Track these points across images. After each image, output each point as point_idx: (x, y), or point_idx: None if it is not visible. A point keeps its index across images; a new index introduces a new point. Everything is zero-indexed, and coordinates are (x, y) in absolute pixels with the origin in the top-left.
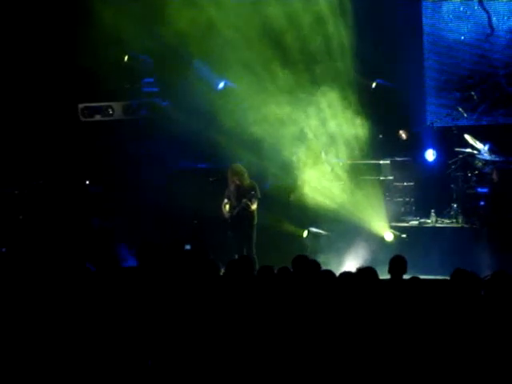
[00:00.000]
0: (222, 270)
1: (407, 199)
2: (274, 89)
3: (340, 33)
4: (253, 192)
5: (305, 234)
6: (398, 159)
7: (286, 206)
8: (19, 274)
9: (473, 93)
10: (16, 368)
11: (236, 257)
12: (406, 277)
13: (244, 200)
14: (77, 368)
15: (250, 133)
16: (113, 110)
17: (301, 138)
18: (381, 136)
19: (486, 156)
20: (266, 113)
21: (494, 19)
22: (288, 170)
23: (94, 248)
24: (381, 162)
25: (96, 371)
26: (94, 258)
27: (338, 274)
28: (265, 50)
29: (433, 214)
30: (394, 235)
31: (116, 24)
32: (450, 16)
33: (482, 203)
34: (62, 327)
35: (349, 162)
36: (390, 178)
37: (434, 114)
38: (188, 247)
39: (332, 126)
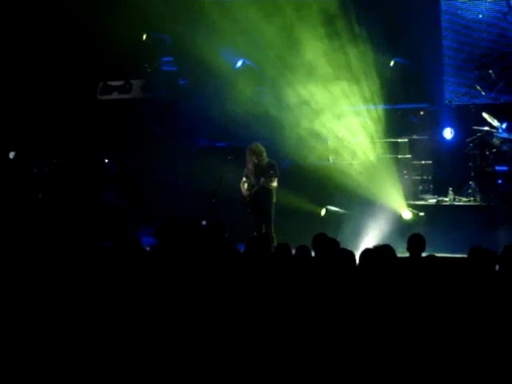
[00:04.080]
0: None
1: (425, 177)
2: (294, 68)
3: (358, 13)
4: (272, 171)
5: (323, 212)
6: (416, 137)
7: (304, 184)
8: (38, 251)
9: (491, 71)
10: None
11: (255, 234)
12: (424, 255)
13: (263, 178)
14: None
15: (269, 111)
16: (131, 88)
17: (319, 116)
18: (399, 114)
19: (504, 134)
20: (285, 91)
21: None
22: (307, 148)
23: (111, 225)
24: (399, 140)
25: (114, 351)
26: (112, 235)
27: (356, 252)
28: (285, 28)
29: (451, 192)
30: (412, 213)
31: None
32: None
33: (499, 181)
34: (81, 304)
35: (367, 140)
36: (408, 156)
37: (452, 93)
38: (204, 223)
39: (350, 104)
